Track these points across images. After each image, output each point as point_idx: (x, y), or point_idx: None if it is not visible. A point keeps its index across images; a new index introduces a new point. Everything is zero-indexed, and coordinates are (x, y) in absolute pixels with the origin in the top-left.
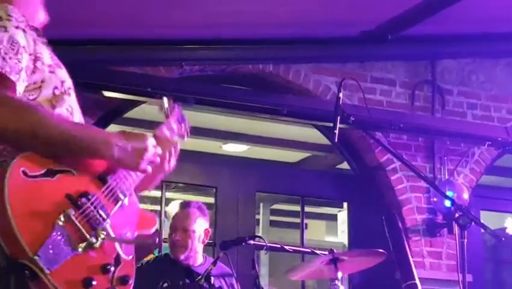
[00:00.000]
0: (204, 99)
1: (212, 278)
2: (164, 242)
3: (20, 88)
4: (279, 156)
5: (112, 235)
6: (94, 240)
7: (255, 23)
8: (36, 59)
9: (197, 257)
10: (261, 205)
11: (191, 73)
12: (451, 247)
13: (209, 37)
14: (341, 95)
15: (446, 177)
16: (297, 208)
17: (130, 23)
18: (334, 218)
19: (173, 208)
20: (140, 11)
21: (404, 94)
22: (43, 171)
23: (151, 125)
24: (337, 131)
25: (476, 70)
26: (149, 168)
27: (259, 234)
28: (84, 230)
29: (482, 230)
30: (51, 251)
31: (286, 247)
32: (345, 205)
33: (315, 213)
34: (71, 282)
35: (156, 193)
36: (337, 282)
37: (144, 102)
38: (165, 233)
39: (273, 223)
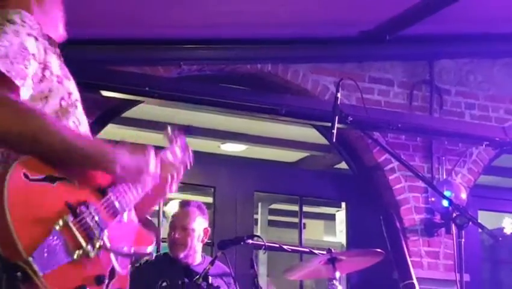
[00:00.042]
0: (202, 98)
1: (210, 277)
2: (163, 241)
3: (24, 94)
4: (278, 156)
5: (109, 245)
6: (90, 249)
7: (253, 23)
8: (45, 68)
9: (196, 256)
10: (260, 204)
11: (190, 72)
12: (449, 246)
13: (207, 36)
14: (339, 95)
15: (444, 177)
16: (296, 208)
17: (128, 22)
18: (332, 218)
19: (172, 207)
20: (139, 11)
21: (402, 94)
22: (43, 176)
23: (149, 125)
24: (335, 131)
25: (474, 70)
26: (149, 183)
27: (258, 234)
28: (80, 238)
29: (480, 230)
30: (46, 254)
31: (284, 247)
32: (343, 204)
33: (313, 213)
34: (64, 288)
35: None
36: (334, 281)
37: (142, 102)
38: (164, 233)
39: (271, 223)
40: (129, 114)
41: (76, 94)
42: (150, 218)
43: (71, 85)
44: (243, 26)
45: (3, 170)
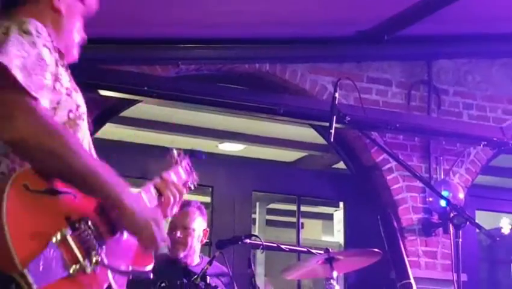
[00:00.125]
0: (200, 98)
1: (208, 277)
2: None
3: (44, 104)
4: (276, 155)
5: (106, 262)
6: (87, 264)
7: (251, 23)
8: (56, 80)
9: (195, 257)
10: (257, 204)
11: (188, 72)
12: (446, 246)
13: (205, 36)
14: (337, 95)
15: (442, 177)
16: (294, 207)
17: (127, 22)
18: (330, 217)
19: None
20: (137, 10)
21: (400, 94)
22: (44, 188)
23: (147, 124)
24: (332, 131)
25: (472, 70)
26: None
27: (256, 233)
28: (78, 252)
29: (478, 230)
30: (42, 267)
31: (282, 246)
32: (341, 204)
33: (311, 212)
34: None
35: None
36: (332, 281)
37: (140, 101)
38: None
39: (269, 222)
40: (127, 113)
41: (83, 108)
42: None
43: (79, 98)
44: (240, 25)
45: (3, 181)
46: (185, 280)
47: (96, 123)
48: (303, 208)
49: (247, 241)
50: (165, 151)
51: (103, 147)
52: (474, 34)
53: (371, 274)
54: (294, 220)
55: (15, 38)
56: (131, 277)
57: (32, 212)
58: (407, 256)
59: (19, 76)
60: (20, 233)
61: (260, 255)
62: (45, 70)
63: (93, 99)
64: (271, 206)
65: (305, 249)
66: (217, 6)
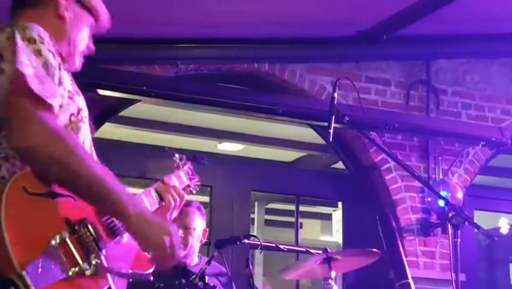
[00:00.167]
0: (199, 98)
1: (206, 277)
2: None
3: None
4: (275, 155)
5: (106, 265)
6: (86, 267)
7: (250, 23)
8: (59, 83)
9: (194, 257)
10: (256, 204)
11: (187, 72)
12: (445, 246)
13: (204, 36)
14: (336, 95)
15: (440, 177)
16: (292, 207)
17: (125, 21)
18: (328, 217)
19: None
20: (136, 10)
21: (399, 94)
22: (44, 191)
23: (146, 124)
24: (331, 131)
25: (471, 70)
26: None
27: (254, 233)
28: (77, 255)
29: (476, 230)
30: (40, 269)
31: (281, 246)
32: (340, 204)
33: (310, 212)
34: None
35: None
36: (330, 281)
37: (139, 101)
38: None
39: (268, 222)
40: (126, 113)
41: (85, 111)
42: None
43: (80, 101)
44: (239, 25)
45: (3, 184)
46: (183, 280)
47: (94, 123)
48: (301, 208)
49: (246, 241)
50: (164, 151)
51: (102, 147)
52: (473, 33)
53: (369, 274)
54: (292, 219)
55: (22, 46)
56: (131, 280)
57: (31, 215)
58: (405, 256)
59: (34, 84)
60: (19, 235)
61: (259, 255)
62: (54, 75)
63: (92, 98)
64: (270, 206)
65: (303, 249)
66: (216, 6)
